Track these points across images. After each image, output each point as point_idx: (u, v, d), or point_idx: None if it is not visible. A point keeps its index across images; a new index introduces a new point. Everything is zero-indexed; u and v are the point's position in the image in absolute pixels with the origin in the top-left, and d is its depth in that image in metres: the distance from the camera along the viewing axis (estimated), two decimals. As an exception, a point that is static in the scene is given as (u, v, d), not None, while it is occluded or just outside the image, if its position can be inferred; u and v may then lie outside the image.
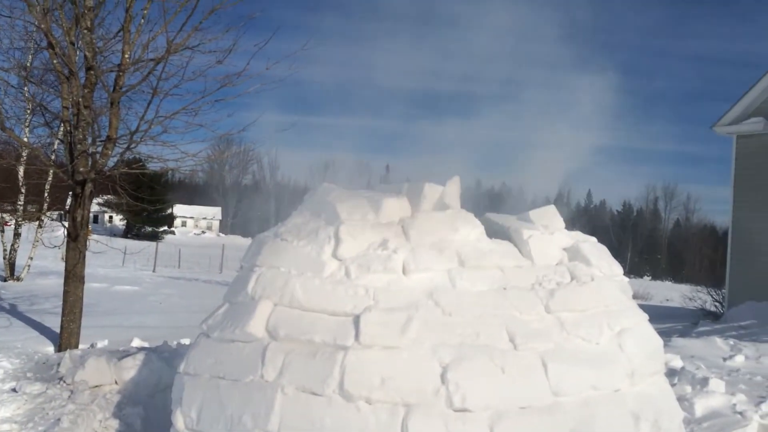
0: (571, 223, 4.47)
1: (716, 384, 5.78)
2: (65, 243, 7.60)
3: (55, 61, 7.17)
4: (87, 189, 7.28)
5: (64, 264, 7.68)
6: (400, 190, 4.20)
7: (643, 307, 4.36)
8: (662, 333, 4.97)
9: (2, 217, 17.90)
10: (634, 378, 3.68)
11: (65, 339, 7.28)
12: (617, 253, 4.99)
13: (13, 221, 17.61)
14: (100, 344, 7.70)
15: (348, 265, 3.66)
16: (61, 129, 8.48)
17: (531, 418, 3.32)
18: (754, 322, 11.78)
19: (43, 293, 12.96)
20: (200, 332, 3.99)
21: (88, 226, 7.61)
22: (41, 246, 14.43)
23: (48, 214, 16.47)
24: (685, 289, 22.38)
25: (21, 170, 15.33)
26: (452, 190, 4.15)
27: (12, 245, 16.95)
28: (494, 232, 4.19)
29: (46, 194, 16.83)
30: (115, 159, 7.81)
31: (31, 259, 17.18)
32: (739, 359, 7.59)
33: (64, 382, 5.27)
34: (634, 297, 4.37)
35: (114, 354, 5.58)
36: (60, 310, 7.53)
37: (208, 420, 3.54)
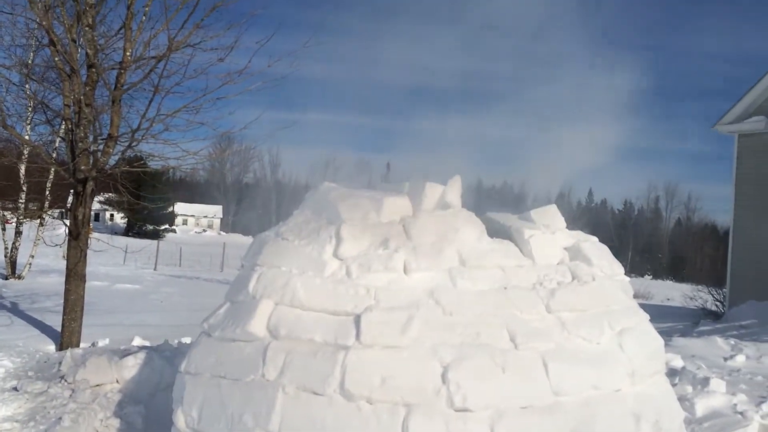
0: (572, 222, 4.46)
1: (717, 384, 5.77)
2: (66, 241, 7.61)
3: (56, 59, 7.17)
4: (88, 187, 7.28)
5: (65, 262, 7.69)
6: (401, 189, 4.19)
7: (643, 306, 4.35)
8: (663, 332, 4.97)
9: (3, 215, 17.92)
10: (635, 378, 3.67)
11: (66, 337, 7.29)
12: (618, 252, 4.99)
13: (15, 219, 17.62)
14: (101, 343, 7.71)
15: (349, 264, 3.66)
16: (63, 127, 8.49)
17: (532, 418, 3.32)
18: (755, 321, 11.77)
19: (45, 291, 12.98)
20: (201, 331, 3.99)
21: (89, 225, 7.62)
22: (42, 244, 14.45)
23: (49, 212, 16.47)
24: (686, 288, 22.38)
25: (22, 168, 15.34)
26: (453, 189, 4.14)
27: (13, 243, 16.96)
28: (495, 231, 4.18)
29: (47, 192, 16.85)
30: (117, 157, 7.82)
31: (33, 257, 17.20)
32: (740, 359, 7.58)
33: (66, 380, 5.28)
34: (635, 296, 4.36)
35: (115, 353, 5.58)
36: (61, 308, 7.54)
37: (209, 419, 3.54)
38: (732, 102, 14.28)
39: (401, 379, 3.28)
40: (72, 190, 7.59)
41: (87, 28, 7.00)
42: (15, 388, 5.29)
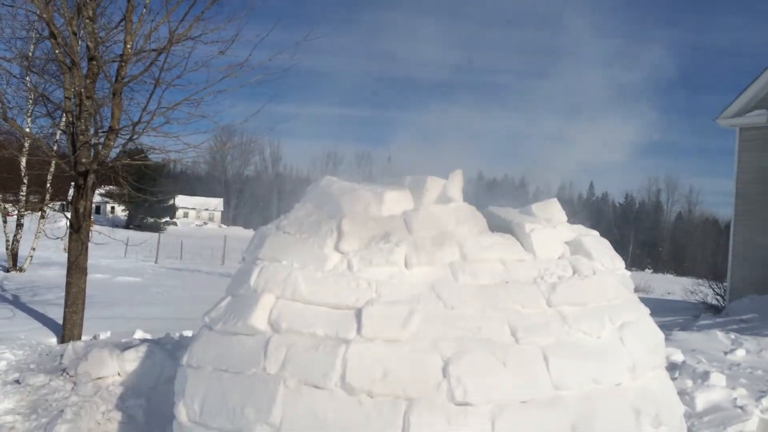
0: (573, 215, 4.46)
1: (717, 378, 5.78)
2: (68, 234, 7.61)
3: (57, 51, 7.16)
4: (89, 180, 7.28)
5: (66, 255, 7.69)
6: (402, 183, 4.19)
7: (644, 300, 4.36)
8: (663, 326, 4.98)
9: (5, 208, 17.93)
10: (636, 372, 3.68)
11: (68, 330, 7.30)
12: (619, 246, 4.98)
13: (16, 212, 17.63)
14: (102, 336, 7.72)
15: (350, 258, 3.66)
16: (64, 119, 8.48)
17: (532, 412, 3.33)
18: (755, 315, 11.77)
19: (46, 284, 13.00)
20: (203, 325, 4.00)
21: (90, 218, 7.62)
22: (44, 237, 14.47)
23: (50, 204, 16.48)
24: (686, 282, 22.37)
25: (23, 161, 15.33)
26: (455, 183, 4.14)
27: (14, 236, 16.97)
28: (496, 225, 4.19)
29: (48, 185, 16.85)
30: (118, 150, 7.81)
31: (34, 249, 17.22)
32: (740, 353, 7.58)
33: (68, 373, 5.28)
34: (636, 290, 4.37)
35: (117, 346, 5.59)
36: (62, 301, 7.55)
37: (210, 412, 3.55)
38: (734, 95, 14.28)
39: (402, 373, 3.29)
40: (73, 183, 7.58)
41: (87, 21, 6.98)
42: (17, 381, 5.29)
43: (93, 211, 7.61)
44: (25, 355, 6.07)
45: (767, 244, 13.24)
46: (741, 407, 5.22)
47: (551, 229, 4.11)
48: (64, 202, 19.76)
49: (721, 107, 14.46)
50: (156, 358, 5.27)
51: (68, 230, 7.57)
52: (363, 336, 3.38)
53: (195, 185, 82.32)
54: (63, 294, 7.57)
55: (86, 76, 7.15)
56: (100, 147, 7.34)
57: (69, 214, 7.67)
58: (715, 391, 5.49)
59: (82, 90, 7.00)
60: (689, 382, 5.75)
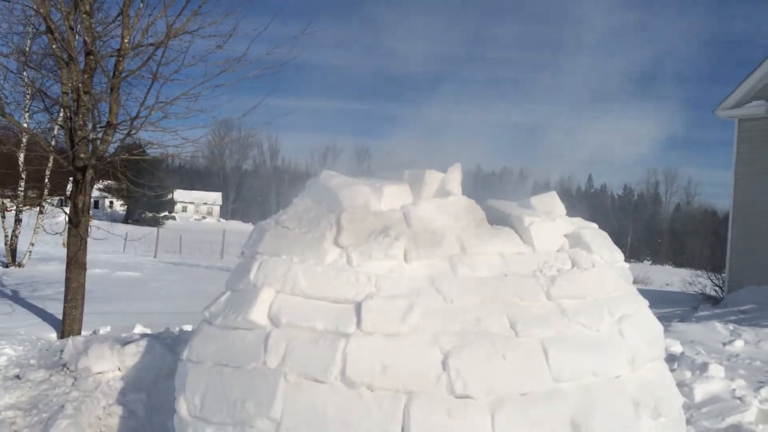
0: (571, 207, 4.47)
1: (716, 369, 5.80)
2: (66, 229, 7.61)
3: (54, 46, 7.13)
4: (88, 175, 7.27)
5: (65, 250, 7.70)
6: (401, 177, 4.19)
7: (642, 291, 4.37)
8: (662, 318, 4.99)
9: (3, 203, 17.92)
10: (635, 364, 3.69)
11: (68, 325, 7.31)
12: (617, 238, 4.99)
13: (14, 207, 17.62)
14: (102, 330, 7.73)
15: (350, 252, 3.66)
16: (61, 115, 8.46)
17: (532, 404, 3.34)
18: (754, 306, 11.80)
19: (45, 279, 13.01)
20: (203, 319, 4.01)
21: (89, 213, 7.62)
22: (42, 232, 14.46)
23: (48, 200, 16.48)
24: (685, 273, 22.41)
25: (21, 156, 15.31)
26: (454, 176, 4.14)
27: (13, 231, 16.98)
28: (495, 218, 4.19)
29: (46, 180, 16.83)
30: (116, 145, 7.81)
31: (33, 245, 17.22)
32: (739, 344, 7.62)
33: (68, 368, 5.29)
34: (634, 281, 4.37)
35: (117, 340, 5.60)
36: (62, 296, 7.55)
37: (211, 407, 3.56)
38: (732, 87, 14.27)
39: (402, 367, 3.30)
40: (71, 178, 7.58)
41: (84, 15, 6.96)
42: (17, 376, 5.30)
43: (91, 205, 7.58)
44: (25, 350, 6.08)
45: (766, 236, 13.26)
46: (739, 398, 5.25)
47: (550, 222, 4.11)
48: (63, 197, 19.74)
49: (720, 98, 14.48)
50: (156, 352, 5.27)
51: (67, 225, 7.57)
52: (363, 330, 3.39)
53: (193, 179, 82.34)
54: (62, 289, 7.58)
55: (84, 71, 7.13)
56: (98, 142, 7.34)
57: (67, 209, 7.66)
58: (714, 382, 5.51)
59: (80, 85, 6.99)
60: (688, 374, 5.78)
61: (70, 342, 5.71)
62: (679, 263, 53.15)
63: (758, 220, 13.56)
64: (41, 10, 6.68)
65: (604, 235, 4.31)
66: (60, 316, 7.64)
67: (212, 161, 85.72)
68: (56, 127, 12.54)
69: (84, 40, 7.13)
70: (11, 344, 6.23)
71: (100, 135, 7.41)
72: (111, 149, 7.66)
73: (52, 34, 6.93)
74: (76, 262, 7.35)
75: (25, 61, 8.48)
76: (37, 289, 11.68)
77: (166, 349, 5.32)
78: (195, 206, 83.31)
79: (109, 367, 5.18)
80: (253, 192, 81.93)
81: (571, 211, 4.43)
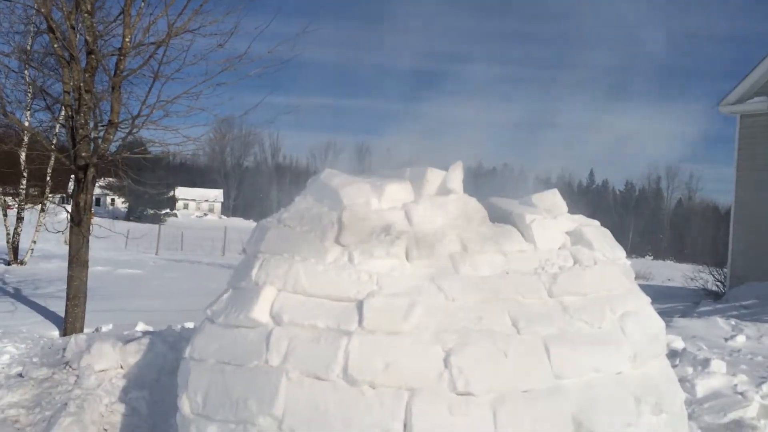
0: (573, 203, 4.47)
1: (717, 365, 5.80)
2: (68, 227, 7.63)
3: (55, 45, 7.14)
4: (89, 174, 7.29)
5: (67, 248, 7.71)
6: (402, 175, 4.19)
7: (644, 287, 4.37)
8: (664, 313, 4.99)
9: (5, 201, 17.94)
10: (636, 361, 3.70)
11: (70, 323, 7.33)
12: (619, 233, 4.99)
13: (16, 205, 17.65)
14: (104, 328, 7.74)
15: (351, 250, 3.67)
16: (63, 113, 8.47)
17: (533, 401, 3.34)
18: (755, 301, 11.80)
19: (47, 277, 13.03)
20: (205, 317, 4.02)
21: (91, 211, 7.63)
22: (44, 230, 14.49)
23: (50, 198, 16.50)
24: (686, 268, 22.37)
25: (23, 155, 15.33)
26: (455, 174, 4.14)
27: (15, 229, 17.00)
28: (497, 216, 4.19)
29: (48, 178, 16.85)
30: (117, 143, 7.81)
31: (35, 243, 17.25)
32: (741, 339, 7.61)
33: (70, 366, 5.31)
34: (636, 277, 4.37)
35: (119, 338, 5.62)
36: (64, 294, 7.57)
37: (213, 404, 3.57)
38: (734, 82, 14.24)
39: (404, 364, 3.31)
40: (73, 177, 7.59)
41: (86, 15, 6.97)
42: (20, 375, 5.32)
43: (93, 203, 7.60)
44: (27, 348, 6.10)
45: (767, 231, 13.24)
46: (741, 393, 5.24)
47: (552, 219, 4.11)
48: (64, 195, 19.77)
49: (722, 94, 14.45)
50: (158, 350, 5.29)
51: (69, 223, 7.58)
52: (364, 328, 3.40)
53: (195, 177, 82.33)
54: (64, 287, 7.60)
55: (85, 69, 7.14)
56: (99, 141, 7.35)
57: (69, 208, 7.68)
58: (716, 378, 5.51)
59: (81, 84, 7.00)
60: (689, 369, 5.77)
61: (73, 340, 5.73)
62: (680, 259, 53.10)
63: (760, 215, 13.54)
64: (42, 10, 6.69)
65: (606, 232, 4.31)
66: (62, 314, 7.66)
67: (213, 159, 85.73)
68: (58, 126, 12.53)
69: (85, 39, 7.13)
70: (14, 342, 6.25)
71: (101, 134, 7.42)
72: (112, 148, 7.67)
73: (54, 33, 6.94)
74: (78, 260, 7.37)
75: (27, 59, 8.49)
76: (39, 287, 11.69)
77: (168, 346, 5.34)
78: (196, 203, 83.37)
79: (112, 364, 5.20)
80: (255, 189, 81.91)
81: (573, 208, 4.43)
